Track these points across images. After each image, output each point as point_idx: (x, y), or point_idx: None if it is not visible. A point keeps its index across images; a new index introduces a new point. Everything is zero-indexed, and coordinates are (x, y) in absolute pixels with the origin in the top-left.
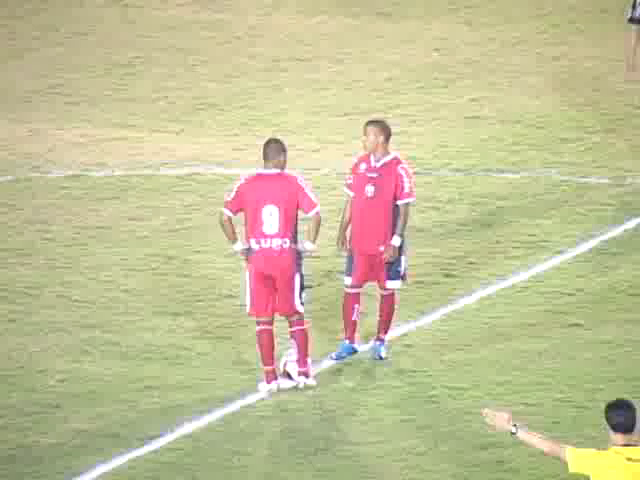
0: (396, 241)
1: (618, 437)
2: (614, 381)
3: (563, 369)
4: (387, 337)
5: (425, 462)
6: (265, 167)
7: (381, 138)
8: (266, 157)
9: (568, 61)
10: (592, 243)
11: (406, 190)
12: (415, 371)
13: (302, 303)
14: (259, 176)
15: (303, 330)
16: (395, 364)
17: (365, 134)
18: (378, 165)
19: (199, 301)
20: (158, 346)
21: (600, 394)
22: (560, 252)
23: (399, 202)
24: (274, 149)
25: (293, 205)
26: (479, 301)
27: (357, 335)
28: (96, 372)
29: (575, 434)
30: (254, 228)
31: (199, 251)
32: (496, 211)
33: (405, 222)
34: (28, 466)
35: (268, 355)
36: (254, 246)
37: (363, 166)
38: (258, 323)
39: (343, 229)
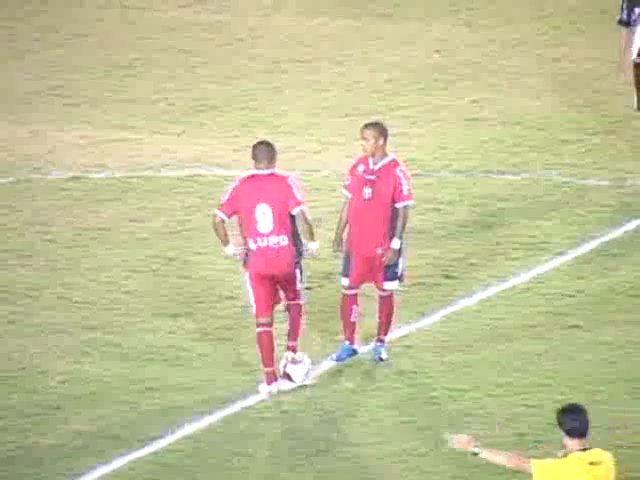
0: (396, 244)
1: (574, 442)
2: (614, 382)
3: (563, 370)
4: (387, 338)
5: (425, 464)
6: (257, 168)
7: (381, 140)
8: (257, 158)
9: (568, 62)
10: (592, 244)
11: (405, 192)
12: (415, 372)
13: (302, 282)
14: (253, 176)
15: (299, 304)
16: (395, 365)
17: (364, 137)
18: (376, 167)
19: (200, 302)
20: (158, 347)
21: (600, 395)
22: (560, 253)
23: (398, 205)
24: (264, 151)
25: (285, 203)
26: (479, 302)
27: (357, 336)
28: (97, 373)
29: None
30: (250, 228)
31: (199, 252)
32: (496, 212)
33: (404, 224)
34: (28, 467)
35: (268, 356)
36: (252, 246)
37: (361, 168)
38: (258, 325)
39: (340, 230)
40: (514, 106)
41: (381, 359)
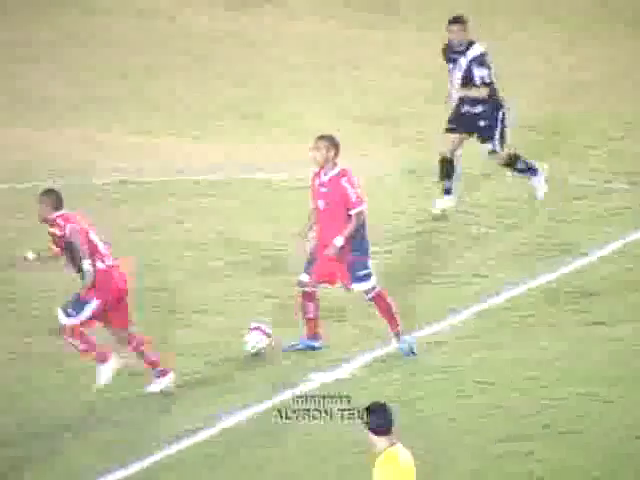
0: (338, 241)
1: (382, 440)
2: (638, 377)
3: (588, 366)
4: (419, 334)
5: (454, 453)
6: (60, 210)
7: (332, 152)
8: (61, 204)
9: (583, 68)
10: (615, 245)
11: (353, 200)
12: (446, 367)
13: None
14: (66, 214)
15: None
16: (427, 360)
17: (315, 147)
18: (326, 180)
19: (231, 300)
20: (197, 343)
21: (624, 390)
22: (584, 254)
23: (350, 212)
24: (60, 196)
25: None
26: (508, 300)
27: (320, 330)
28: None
29: (600, 429)
30: (96, 251)
31: (243, 252)
32: (522, 215)
33: (354, 228)
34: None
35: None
36: (100, 265)
37: (317, 181)
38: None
39: (307, 227)
40: (533, 111)
41: (413, 352)
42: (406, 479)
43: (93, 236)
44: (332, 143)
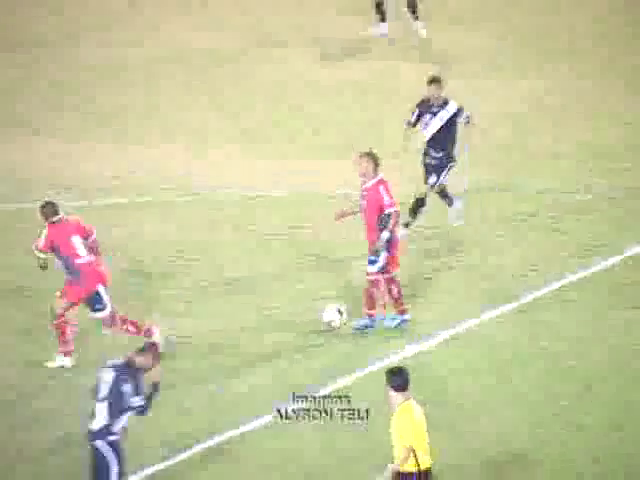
0: (384, 235)
1: (399, 396)
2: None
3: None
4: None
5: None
6: (54, 217)
7: (371, 165)
8: (54, 213)
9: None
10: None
11: (386, 203)
12: (503, 342)
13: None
14: (55, 223)
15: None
16: (490, 337)
17: (357, 163)
18: (368, 186)
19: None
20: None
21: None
22: (616, 253)
23: (385, 212)
24: (56, 206)
25: (90, 231)
26: (558, 289)
27: (391, 311)
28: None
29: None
30: (73, 253)
31: (336, 254)
32: (566, 221)
33: (392, 224)
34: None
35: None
36: (82, 260)
37: (362, 187)
38: (61, 315)
39: (347, 210)
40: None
41: (363, 329)
42: (418, 428)
43: (75, 241)
44: (371, 158)
